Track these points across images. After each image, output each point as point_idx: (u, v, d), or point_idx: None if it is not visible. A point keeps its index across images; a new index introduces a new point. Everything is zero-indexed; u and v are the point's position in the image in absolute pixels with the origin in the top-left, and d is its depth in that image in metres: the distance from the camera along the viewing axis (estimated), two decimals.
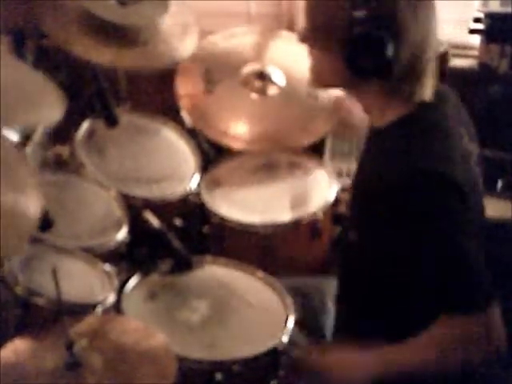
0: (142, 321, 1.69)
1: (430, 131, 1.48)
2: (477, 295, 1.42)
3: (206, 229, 2.21)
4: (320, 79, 1.57)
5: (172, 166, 2.27)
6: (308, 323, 1.81)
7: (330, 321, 1.88)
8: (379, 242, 1.47)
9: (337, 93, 2.12)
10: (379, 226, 1.46)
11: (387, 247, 1.46)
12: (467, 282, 1.42)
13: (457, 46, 2.64)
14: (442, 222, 1.41)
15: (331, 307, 1.90)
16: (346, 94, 1.68)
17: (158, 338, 1.59)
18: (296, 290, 1.88)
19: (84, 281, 1.79)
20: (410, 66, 1.45)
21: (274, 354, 1.67)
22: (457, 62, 2.62)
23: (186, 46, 2.29)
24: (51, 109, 1.87)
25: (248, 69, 2.35)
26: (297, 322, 1.74)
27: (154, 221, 1.93)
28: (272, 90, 2.34)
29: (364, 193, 1.55)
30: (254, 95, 2.32)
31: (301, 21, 2.81)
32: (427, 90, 1.49)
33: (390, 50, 1.41)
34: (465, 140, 1.53)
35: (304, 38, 1.53)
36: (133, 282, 1.85)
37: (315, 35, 1.50)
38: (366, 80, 1.48)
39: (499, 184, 2.40)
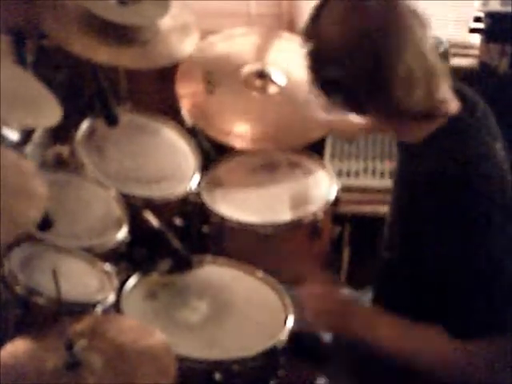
0: (141, 320, 1.70)
1: (468, 137, 1.48)
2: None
3: (205, 228, 2.21)
4: None
5: (172, 165, 2.27)
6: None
7: None
8: (422, 242, 1.46)
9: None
10: (423, 226, 1.46)
11: (430, 247, 1.45)
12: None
13: (457, 45, 2.63)
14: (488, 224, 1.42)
15: None
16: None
17: (157, 337, 1.59)
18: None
19: (84, 280, 1.79)
20: (409, 88, 1.42)
21: (273, 353, 1.67)
22: (457, 61, 2.62)
23: (185, 46, 2.29)
24: (48, 113, 1.87)
25: (248, 68, 2.35)
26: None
27: (153, 221, 1.93)
28: (272, 90, 2.33)
29: (408, 196, 1.53)
30: (254, 95, 2.32)
31: (301, 21, 2.81)
32: (447, 103, 1.48)
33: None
34: (497, 148, 1.54)
35: None
36: (132, 281, 1.85)
37: None
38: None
39: None
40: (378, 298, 1.74)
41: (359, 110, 1.49)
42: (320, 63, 1.45)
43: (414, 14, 1.44)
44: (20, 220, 1.52)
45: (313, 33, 1.46)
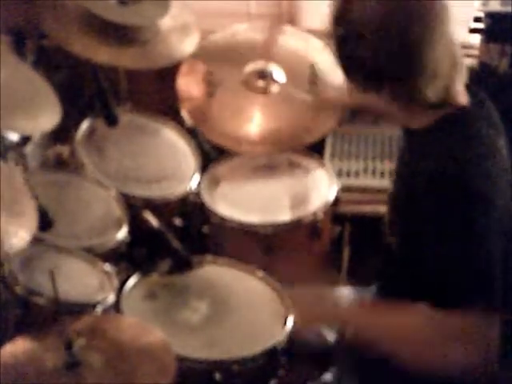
0: (141, 320, 1.70)
1: (469, 136, 1.49)
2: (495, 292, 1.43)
3: (205, 229, 2.21)
4: None
5: (172, 165, 2.27)
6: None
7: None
8: (422, 241, 1.46)
9: None
10: (423, 225, 1.46)
11: (430, 246, 1.45)
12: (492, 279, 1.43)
13: None
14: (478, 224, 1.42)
15: None
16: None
17: (157, 336, 1.59)
18: None
19: (84, 280, 1.79)
20: (432, 73, 1.43)
21: (273, 353, 1.67)
22: None
23: (185, 46, 2.29)
24: (47, 116, 1.86)
25: (249, 68, 2.34)
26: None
27: (153, 221, 1.93)
28: (274, 90, 2.33)
29: (407, 195, 1.53)
30: (256, 96, 2.32)
31: (301, 21, 2.81)
32: (459, 94, 1.50)
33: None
34: (500, 145, 1.54)
35: None
36: (132, 281, 1.85)
37: None
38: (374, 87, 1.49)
39: None
40: (381, 298, 1.74)
41: (376, 90, 1.48)
42: (350, 36, 1.43)
43: (447, 7, 1.44)
44: (9, 240, 1.50)
45: (348, 4, 1.44)
